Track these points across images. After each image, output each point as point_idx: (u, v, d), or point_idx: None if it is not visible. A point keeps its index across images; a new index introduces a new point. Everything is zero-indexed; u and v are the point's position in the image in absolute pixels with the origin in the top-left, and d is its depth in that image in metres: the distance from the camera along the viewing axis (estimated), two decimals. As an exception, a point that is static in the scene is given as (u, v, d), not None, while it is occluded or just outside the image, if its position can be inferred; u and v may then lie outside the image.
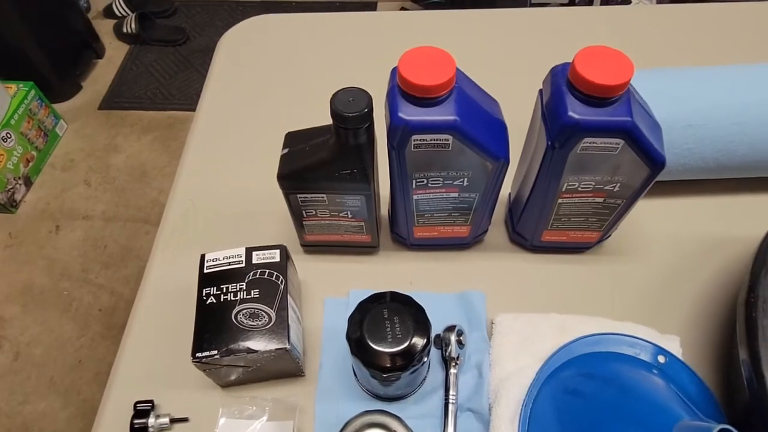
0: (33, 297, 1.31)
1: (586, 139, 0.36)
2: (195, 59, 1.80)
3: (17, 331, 1.25)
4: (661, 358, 0.42)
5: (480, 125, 0.37)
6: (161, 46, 1.83)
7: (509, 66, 0.65)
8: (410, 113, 0.36)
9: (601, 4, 1.53)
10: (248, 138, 0.61)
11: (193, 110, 0.64)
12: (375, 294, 0.39)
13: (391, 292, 0.40)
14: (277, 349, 0.38)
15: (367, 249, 0.50)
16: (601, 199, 0.42)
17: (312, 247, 0.50)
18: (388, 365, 0.36)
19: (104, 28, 1.89)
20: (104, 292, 1.32)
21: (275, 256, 0.43)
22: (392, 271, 0.50)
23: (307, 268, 0.49)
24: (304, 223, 0.46)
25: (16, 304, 1.30)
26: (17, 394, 1.16)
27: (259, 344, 0.38)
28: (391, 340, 0.37)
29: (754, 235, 0.42)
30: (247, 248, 0.43)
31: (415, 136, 0.36)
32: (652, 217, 0.51)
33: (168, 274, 0.51)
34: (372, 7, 1.97)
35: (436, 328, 0.44)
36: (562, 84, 0.36)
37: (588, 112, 0.35)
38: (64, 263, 1.37)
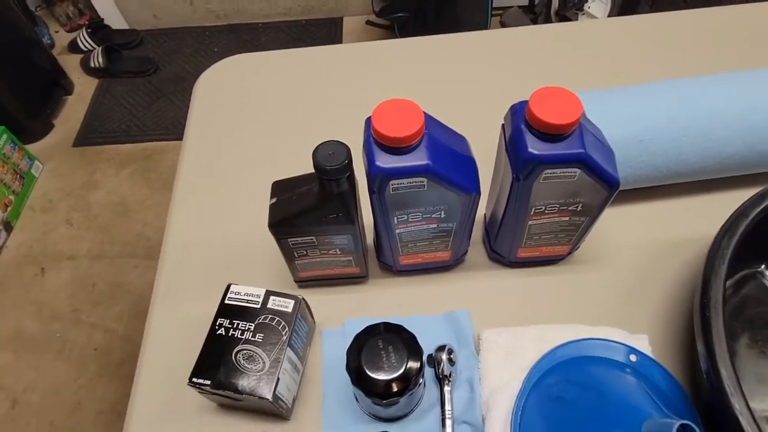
0: (24, 342, 1.31)
1: (547, 171, 0.40)
2: (166, 88, 1.81)
3: (12, 378, 1.25)
4: (632, 357, 0.46)
5: (451, 164, 0.41)
6: (131, 78, 1.84)
7: (475, 92, 0.69)
8: (386, 161, 0.39)
9: (557, 12, 1.59)
10: (236, 178, 0.64)
11: (170, 139, 0.66)
12: (369, 326, 0.43)
13: (384, 323, 0.43)
14: (260, 397, 0.41)
15: (358, 279, 0.53)
16: (566, 218, 0.46)
17: (306, 282, 0.53)
18: (387, 391, 0.40)
19: (71, 64, 1.88)
20: (97, 330, 1.32)
21: (288, 306, 0.45)
22: (382, 298, 0.53)
23: (302, 303, 0.52)
24: (296, 262, 0.49)
25: (7, 351, 1.29)
26: (19, 442, 1.16)
27: (246, 387, 0.41)
28: (387, 368, 0.40)
29: (710, 233, 0.45)
30: (267, 291, 0.46)
31: (392, 181, 0.40)
32: (616, 226, 0.56)
33: (172, 312, 0.53)
34: (338, 22, 2.00)
35: (428, 348, 0.48)
36: (521, 122, 0.40)
37: (545, 148, 0.39)
38: (52, 306, 1.37)
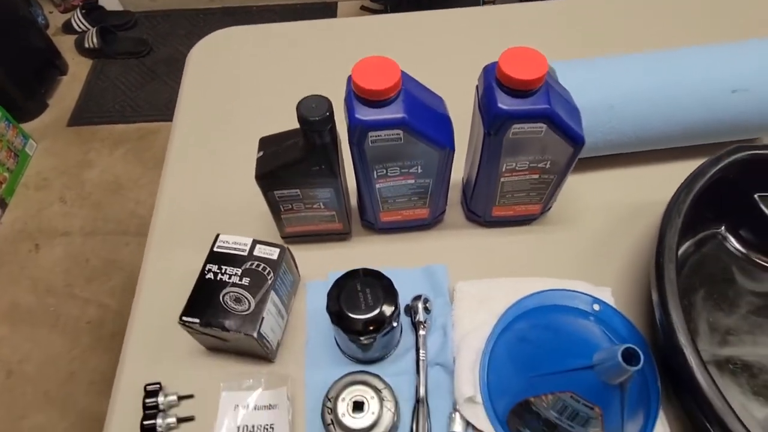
0: (20, 316, 1.33)
1: (515, 126, 0.43)
2: (160, 69, 1.82)
3: (8, 350, 1.27)
4: (596, 307, 0.49)
5: (426, 120, 0.44)
6: (125, 59, 1.85)
7: (456, 64, 0.71)
8: (365, 114, 0.42)
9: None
10: (225, 144, 0.66)
11: (163, 120, 0.69)
12: (350, 271, 0.46)
13: (363, 269, 0.46)
14: (246, 334, 0.43)
15: (341, 236, 0.56)
16: (536, 176, 0.49)
17: (292, 238, 0.56)
18: (364, 329, 0.43)
19: (65, 45, 1.89)
20: (91, 305, 1.34)
21: (274, 254, 0.48)
22: (364, 254, 0.56)
23: (288, 257, 0.55)
24: (282, 216, 0.52)
25: (3, 324, 1.31)
26: (14, 410, 1.18)
27: (232, 326, 0.44)
28: (364, 309, 0.43)
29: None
30: (254, 240, 0.49)
31: (371, 133, 0.42)
32: (587, 189, 0.59)
33: (164, 263, 0.56)
34: (332, 7, 2.01)
35: (406, 299, 0.51)
36: (492, 81, 0.43)
37: (514, 103, 0.42)
38: (47, 281, 1.39)
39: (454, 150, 0.46)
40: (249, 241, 0.48)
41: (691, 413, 0.41)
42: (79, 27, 1.90)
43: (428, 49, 0.75)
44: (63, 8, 2.01)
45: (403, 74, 0.43)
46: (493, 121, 0.43)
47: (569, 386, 0.39)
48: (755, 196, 0.52)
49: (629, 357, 0.34)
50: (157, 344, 0.51)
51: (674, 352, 0.39)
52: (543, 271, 0.54)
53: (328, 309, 0.44)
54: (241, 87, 0.72)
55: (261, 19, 1.98)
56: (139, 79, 1.80)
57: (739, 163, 0.48)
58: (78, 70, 1.85)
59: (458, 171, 0.56)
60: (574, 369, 0.38)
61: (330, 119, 0.42)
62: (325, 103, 0.42)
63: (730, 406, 0.36)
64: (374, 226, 0.56)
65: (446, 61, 0.72)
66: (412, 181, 0.49)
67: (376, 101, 0.41)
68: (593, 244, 0.56)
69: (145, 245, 0.58)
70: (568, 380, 0.39)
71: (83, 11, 1.90)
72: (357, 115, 0.42)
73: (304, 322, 0.52)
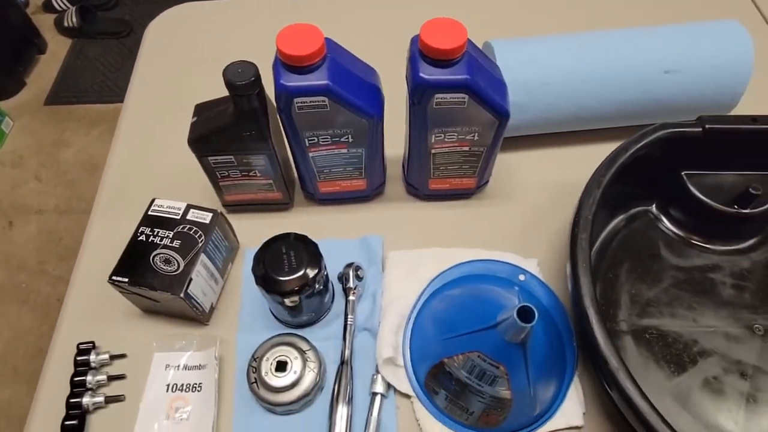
0: (-10, 291, 1.33)
1: (437, 95, 0.44)
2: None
3: (-24, 325, 1.28)
4: (521, 277, 0.51)
5: (354, 88, 0.45)
6: (105, 39, 1.84)
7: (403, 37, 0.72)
8: (290, 80, 0.43)
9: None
10: (176, 116, 0.66)
11: None
12: (277, 235, 0.47)
13: (293, 233, 0.47)
14: (172, 294, 0.45)
15: (282, 206, 0.57)
16: (466, 148, 0.50)
17: (234, 207, 0.57)
18: (287, 291, 0.44)
19: (45, 23, 1.87)
20: (62, 282, 1.35)
21: (206, 218, 0.49)
22: (305, 224, 0.57)
23: (229, 226, 0.56)
24: (220, 184, 0.53)
25: (-27, 299, 1.32)
26: (-19, 384, 1.19)
27: (160, 285, 0.45)
28: (288, 270, 0.44)
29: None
30: (188, 204, 0.50)
31: (296, 99, 0.43)
32: (525, 166, 0.60)
33: (107, 232, 0.57)
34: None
35: (341, 268, 0.52)
36: (416, 51, 0.44)
37: (435, 72, 0.43)
38: (20, 257, 1.40)
39: (382, 119, 0.47)
40: (183, 206, 0.49)
41: (599, 379, 0.42)
42: (59, 6, 1.89)
43: (380, 21, 0.75)
44: (44, -13, 1.99)
45: (331, 43, 0.44)
46: (414, 90, 0.44)
47: (477, 346, 0.40)
48: (682, 174, 0.54)
49: (525, 314, 0.36)
50: (95, 306, 0.52)
51: (580, 316, 0.41)
52: (477, 243, 0.55)
53: (253, 270, 0.45)
54: (195, 61, 0.73)
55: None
56: (118, 59, 1.80)
57: (662, 141, 0.50)
58: (57, 49, 1.84)
59: (400, 145, 0.57)
60: (481, 329, 0.40)
61: (256, 84, 0.43)
62: (252, 68, 0.43)
63: (625, 365, 0.38)
64: (314, 197, 0.57)
65: (395, 34, 0.73)
66: (345, 151, 0.50)
67: (300, 67, 0.42)
68: (527, 219, 0.57)
69: (91, 211, 0.59)
70: (476, 340, 0.41)
71: (64, -10, 1.89)
72: (282, 81, 0.43)
73: (241, 288, 0.53)
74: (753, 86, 0.58)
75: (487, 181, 0.58)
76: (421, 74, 0.43)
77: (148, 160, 0.63)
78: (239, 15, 0.78)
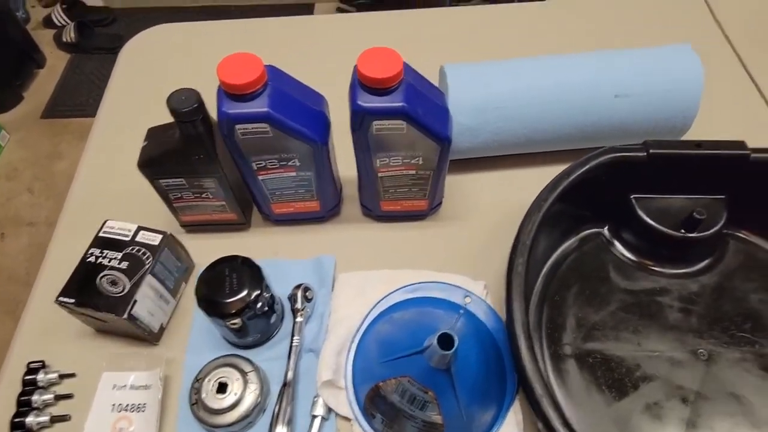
0: (-21, 302, 1.35)
1: (376, 122, 0.45)
2: (136, 65, 1.85)
3: (-36, 335, 1.29)
4: (467, 299, 0.51)
5: (295, 114, 0.46)
6: (101, 54, 1.87)
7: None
8: (231, 107, 0.44)
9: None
10: (142, 137, 0.68)
11: None
12: (224, 257, 0.48)
13: (239, 255, 0.48)
14: (116, 315, 0.45)
15: (238, 226, 0.58)
16: (413, 172, 0.51)
17: (191, 227, 0.58)
18: (227, 313, 0.45)
19: (45, 38, 1.92)
20: (50, 294, 1.36)
21: (156, 240, 0.50)
22: (260, 244, 0.58)
23: (187, 246, 0.57)
24: (174, 205, 0.54)
25: (-38, 310, 1.34)
26: (-35, 395, 1.20)
27: (105, 307, 0.46)
28: (228, 293, 0.45)
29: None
30: (139, 226, 0.51)
31: (238, 126, 0.45)
32: (479, 188, 0.61)
33: (67, 251, 0.58)
34: (309, 8, 2.04)
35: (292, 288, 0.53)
36: (356, 79, 0.45)
37: (372, 100, 0.44)
38: (10, 269, 1.42)
39: (327, 144, 0.48)
40: (134, 228, 0.50)
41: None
42: (59, 21, 1.93)
43: (339, 46, 0.77)
44: (44, 3, 2.04)
45: (274, 70, 0.45)
46: (354, 116, 0.45)
47: (406, 370, 0.41)
48: (631, 197, 0.54)
49: (446, 341, 0.36)
50: (49, 326, 0.53)
51: (511, 339, 0.41)
52: (429, 264, 0.55)
53: (195, 292, 0.46)
54: (167, 83, 0.74)
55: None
56: (114, 74, 1.83)
57: (608, 165, 0.50)
58: (56, 63, 1.88)
59: (355, 167, 0.58)
60: (411, 354, 0.40)
61: (198, 111, 0.45)
62: (194, 95, 0.44)
63: (550, 393, 0.38)
64: (270, 218, 0.58)
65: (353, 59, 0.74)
66: (294, 174, 0.51)
67: (240, 95, 0.43)
68: (479, 241, 0.57)
69: (55, 228, 0.61)
70: (406, 365, 0.41)
71: (64, 6, 1.93)
72: (223, 109, 0.44)
73: (193, 308, 0.54)
74: (710, 110, 0.59)
75: (440, 203, 0.58)
76: (359, 102, 0.44)
77: (112, 179, 0.64)
78: (215, 38, 0.80)
